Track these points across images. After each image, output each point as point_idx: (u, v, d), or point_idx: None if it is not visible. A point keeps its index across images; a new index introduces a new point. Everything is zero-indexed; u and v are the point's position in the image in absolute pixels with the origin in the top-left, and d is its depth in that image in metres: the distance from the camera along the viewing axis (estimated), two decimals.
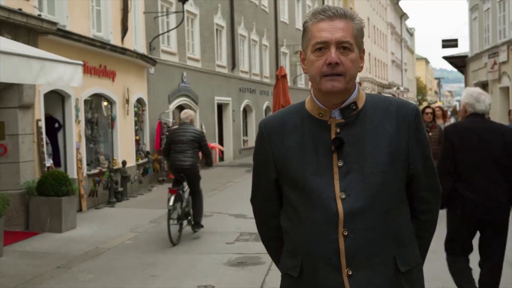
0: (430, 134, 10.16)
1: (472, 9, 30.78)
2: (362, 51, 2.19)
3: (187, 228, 9.36)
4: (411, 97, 77.94)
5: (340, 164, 2.13)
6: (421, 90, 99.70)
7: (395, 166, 2.14)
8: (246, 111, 27.27)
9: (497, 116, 24.74)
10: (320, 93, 2.17)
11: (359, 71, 2.20)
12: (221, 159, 23.39)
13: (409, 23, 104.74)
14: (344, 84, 2.11)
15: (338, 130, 2.15)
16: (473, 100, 4.89)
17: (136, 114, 15.49)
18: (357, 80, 2.49)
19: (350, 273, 2.09)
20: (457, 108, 50.93)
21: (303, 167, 2.17)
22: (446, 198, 4.74)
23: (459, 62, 34.53)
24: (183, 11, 17.32)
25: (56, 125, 11.57)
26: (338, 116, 2.17)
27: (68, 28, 11.29)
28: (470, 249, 5.19)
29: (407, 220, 2.23)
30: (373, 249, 2.10)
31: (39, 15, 10.18)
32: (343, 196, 2.10)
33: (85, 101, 12.44)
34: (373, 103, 2.21)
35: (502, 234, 5.01)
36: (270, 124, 2.29)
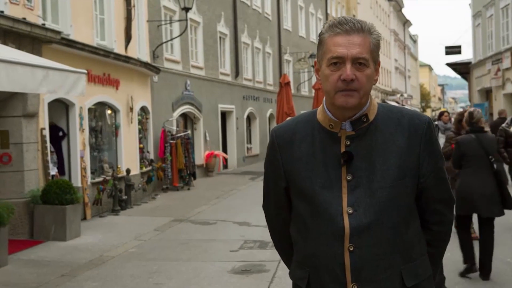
0: None
1: (475, 15, 30.80)
2: (377, 63, 2.17)
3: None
4: (415, 104, 77.90)
5: (349, 178, 2.11)
6: (424, 97, 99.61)
7: (405, 180, 2.12)
8: (249, 119, 27.29)
9: None
10: (333, 106, 2.15)
11: (374, 84, 2.18)
12: (225, 166, 23.39)
13: (412, 30, 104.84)
14: (358, 100, 2.09)
15: (348, 143, 2.14)
16: None
17: (140, 122, 15.51)
18: None
19: None
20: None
21: (311, 179, 2.16)
22: None
23: (462, 69, 34.54)
24: (186, 19, 17.37)
25: (60, 133, 11.59)
26: (348, 128, 2.15)
27: (72, 37, 11.33)
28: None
29: (416, 233, 2.19)
30: (380, 265, 2.08)
31: (43, 24, 10.22)
32: (350, 211, 2.08)
33: (89, 110, 12.46)
34: (384, 114, 2.19)
35: None
36: (281, 133, 2.28)
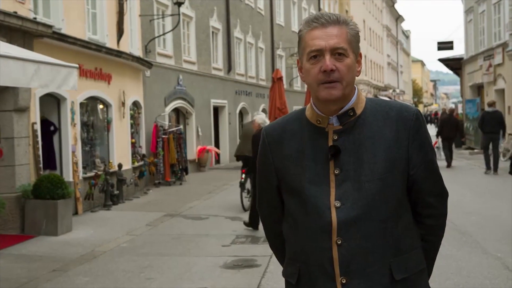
0: None
1: (467, 11, 30.86)
2: (358, 55, 2.17)
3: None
4: (407, 99, 78.09)
5: (337, 172, 2.11)
6: (417, 93, 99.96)
7: (393, 173, 2.11)
8: (242, 114, 27.27)
9: None
10: (318, 100, 2.16)
11: (357, 76, 2.18)
12: (217, 161, 23.40)
13: (404, 25, 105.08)
14: (341, 91, 2.09)
15: (336, 137, 2.14)
16: (262, 121, 9.88)
17: (132, 117, 15.47)
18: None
19: (344, 281, 2.08)
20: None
21: (300, 175, 2.16)
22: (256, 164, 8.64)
23: (454, 65, 34.56)
24: (179, 14, 17.32)
25: (52, 128, 11.55)
26: (336, 122, 2.15)
27: (63, 31, 11.28)
28: None
29: (407, 226, 2.18)
30: (368, 258, 2.08)
31: (35, 18, 10.17)
32: (338, 205, 2.08)
33: (81, 104, 12.43)
34: (373, 108, 2.19)
35: None
36: (271, 132, 2.29)
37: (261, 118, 10.24)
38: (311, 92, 2.17)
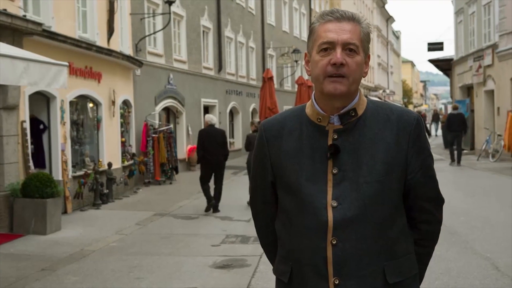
0: None
1: (457, 12, 30.97)
2: (367, 56, 2.17)
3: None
4: (397, 100, 78.29)
5: (335, 171, 2.10)
6: (407, 93, 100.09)
7: (391, 176, 2.11)
8: (232, 113, 27.25)
9: (482, 118, 24.91)
10: (322, 95, 2.14)
11: (364, 76, 2.18)
12: None
13: (395, 26, 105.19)
14: (347, 87, 2.08)
15: (336, 136, 2.12)
16: (210, 119, 11.84)
17: (122, 115, 15.42)
18: None
19: (337, 282, 2.06)
20: (443, 111, 51.40)
21: (298, 173, 2.14)
22: (200, 158, 11.70)
23: (444, 65, 34.69)
24: (169, 13, 17.28)
25: (41, 126, 11.49)
26: (336, 122, 2.14)
27: (53, 29, 11.22)
28: (209, 181, 11.85)
29: (402, 230, 2.18)
30: (362, 260, 2.07)
31: (24, 15, 10.11)
32: (335, 204, 2.07)
33: (71, 103, 12.36)
34: (374, 110, 2.18)
35: (222, 174, 11.95)
36: (270, 127, 2.27)
37: (209, 117, 12.14)
38: (316, 85, 2.15)
